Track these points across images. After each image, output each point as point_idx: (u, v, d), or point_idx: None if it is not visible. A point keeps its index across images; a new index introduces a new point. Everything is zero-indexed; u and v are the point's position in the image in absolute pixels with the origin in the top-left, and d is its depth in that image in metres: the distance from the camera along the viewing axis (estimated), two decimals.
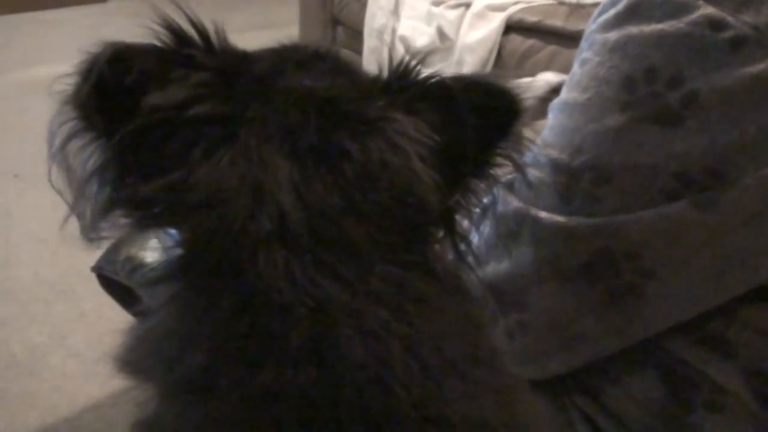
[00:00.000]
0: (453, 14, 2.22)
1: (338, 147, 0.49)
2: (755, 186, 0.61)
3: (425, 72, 0.54)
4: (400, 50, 2.33)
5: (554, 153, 0.68)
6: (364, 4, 2.47)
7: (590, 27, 0.69)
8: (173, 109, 0.49)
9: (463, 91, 0.52)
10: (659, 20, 0.62)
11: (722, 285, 0.66)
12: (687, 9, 0.61)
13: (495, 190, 0.56)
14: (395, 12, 2.38)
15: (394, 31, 2.37)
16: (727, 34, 0.60)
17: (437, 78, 0.53)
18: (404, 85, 0.53)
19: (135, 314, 0.62)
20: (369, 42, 2.46)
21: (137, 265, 1.06)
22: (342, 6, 2.62)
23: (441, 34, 2.22)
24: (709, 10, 0.61)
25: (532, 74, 1.44)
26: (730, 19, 0.60)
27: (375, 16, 2.44)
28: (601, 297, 0.68)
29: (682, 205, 0.63)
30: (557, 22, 2.04)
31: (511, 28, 2.15)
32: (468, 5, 2.21)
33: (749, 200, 0.62)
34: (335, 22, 2.68)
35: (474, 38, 2.16)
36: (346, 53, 2.66)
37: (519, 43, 2.13)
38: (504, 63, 2.15)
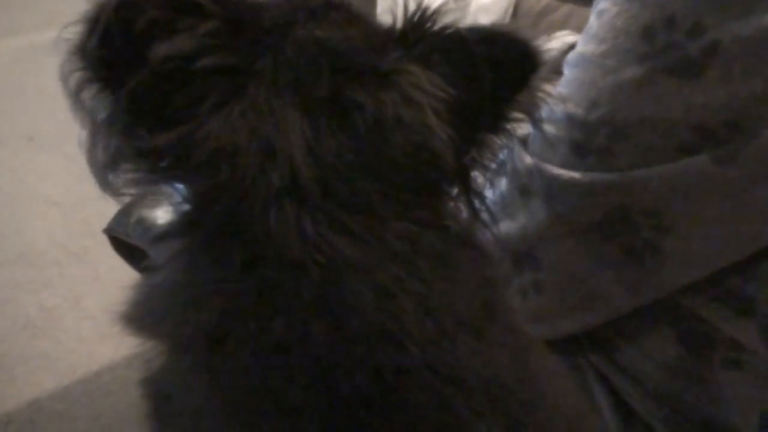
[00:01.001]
0: None
1: (351, 100, 0.47)
2: None
3: (441, 23, 0.52)
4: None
5: (570, 107, 0.66)
6: None
7: None
8: (181, 59, 0.48)
9: (480, 42, 0.51)
10: None
11: (741, 240, 0.64)
12: None
13: (510, 145, 0.54)
14: None
15: None
16: None
17: (453, 29, 0.51)
18: (419, 36, 0.51)
19: (143, 271, 0.62)
20: (382, 2, 2.43)
21: (149, 226, 1.05)
22: None
23: None
24: None
25: (548, 33, 1.42)
26: None
27: None
28: (617, 254, 0.67)
29: (701, 159, 0.61)
30: None
31: None
32: None
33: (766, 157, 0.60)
34: None
35: None
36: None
37: (534, 2, 2.09)
38: (520, 22, 2.11)
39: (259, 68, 0.48)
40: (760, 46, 0.59)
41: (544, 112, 0.68)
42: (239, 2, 0.52)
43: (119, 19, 0.47)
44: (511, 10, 2.14)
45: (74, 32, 0.47)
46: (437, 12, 0.52)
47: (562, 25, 1.98)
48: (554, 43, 1.30)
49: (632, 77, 0.63)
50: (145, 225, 1.08)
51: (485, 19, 2.15)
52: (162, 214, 1.07)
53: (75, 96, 0.49)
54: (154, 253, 0.78)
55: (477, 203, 0.56)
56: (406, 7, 0.53)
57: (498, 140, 0.54)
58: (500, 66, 0.51)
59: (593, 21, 0.67)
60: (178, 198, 0.51)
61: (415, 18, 0.52)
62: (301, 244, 0.46)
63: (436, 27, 0.52)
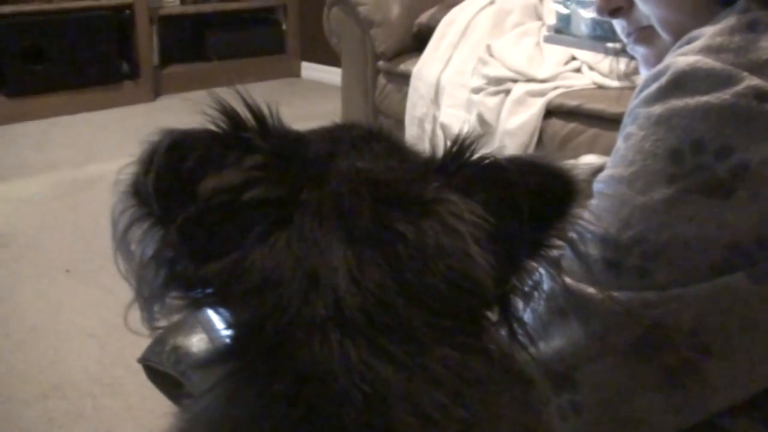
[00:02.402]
0: (493, 101, 2.24)
1: (393, 230, 0.49)
2: None
3: (479, 153, 0.54)
4: (440, 138, 2.35)
5: (602, 228, 0.67)
6: (405, 94, 2.52)
7: (633, 102, 0.69)
8: (229, 192, 0.50)
9: (519, 172, 0.52)
10: (704, 93, 0.63)
11: None
12: (732, 81, 0.62)
13: (544, 266, 0.55)
14: (435, 101, 2.42)
15: (434, 119, 2.41)
16: None
17: (492, 159, 0.53)
18: (459, 166, 0.53)
19: (180, 400, 0.62)
20: (410, 131, 2.50)
21: (183, 354, 1.05)
22: (383, 96, 2.67)
23: (481, 120, 2.25)
24: (754, 81, 0.61)
25: (574, 158, 1.45)
26: None
27: (416, 106, 2.48)
28: (656, 375, 0.66)
29: (737, 277, 0.61)
30: (598, 105, 2.05)
31: (551, 112, 2.16)
32: (507, 92, 2.24)
33: None
34: (377, 112, 2.73)
35: (514, 124, 2.18)
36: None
37: (560, 127, 2.15)
38: (545, 147, 2.16)
39: (303, 199, 0.50)
40: None
41: (576, 233, 0.69)
42: (284, 135, 0.54)
43: (171, 159, 0.49)
44: (537, 135, 2.20)
45: (128, 173, 0.50)
46: (475, 142, 0.54)
47: (588, 149, 2.02)
48: (581, 165, 1.33)
49: (662, 198, 0.64)
50: (180, 353, 1.08)
51: (511, 143, 2.20)
52: (197, 342, 1.07)
53: (124, 234, 0.51)
54: (194, 380, 0.78)
55: (517, 328, 0.56)
56: (432, 143, 0.54)
57: (536, 265, 0.55)
58: (539, 195, 0.52)
59: (621, 144, 0.69)
60: (222, 324, 0.52)
61: (455, 148, 0.54)
62: (345, 372, 0.46)
63: (475, 157, 0.53)
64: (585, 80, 2.21)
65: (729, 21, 0.65)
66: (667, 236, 0.64)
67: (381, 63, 2.65)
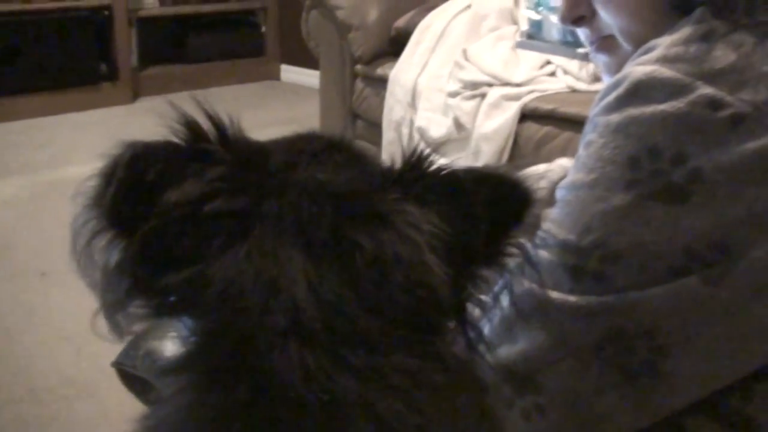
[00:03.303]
0: (469, 105, 2.26)
1: (351, 241, 0.50)
2: (762, 259, 0.62)
3: (437, 163, 0.55)
4: (417, 141, 2.37)
5: (563, 233, 0.69)
6: (382, 98, 2.53)
7: (593, 110, 0.71)
8: (189, 204, 0.50)
9: (475, 183, 0.53)
10: (660, 101, 0.64)
11: (738, 360, 0.66)
12: (686, 90, 0.63)
13: (506, 273, 0.56)
14: (412, 104, 2.43)
15: (411, 122, 2.42)
16: (727, 112, 0.62)
17: (448, 170, 0.54)
18: (416, 176, 0.54)
19: (150, 405, 0.62)
20: (387, 134, 2.51)
21: (157, 358, 1.06)
22: (361, 100, 2.68)
23: (457, 124, 2.26)
24: (707, 90, 0.63)
25: (549, 160, 1.46)
26: (728, 98, 0.62)
27: (393, 109, 2.49)
28: (616, 376, 0.67)
29: (692, 280, 0.63)
30: (571, 109, 2.08)
31: (526, 116, 2.18)
32: (483, 96, 2.25)
33: (758, 274, 0.62)
34: (355, 115, 2.74)
35: (490, 127, 2.20)
36: (365, 145, 2.72)
37: (535, 130, 2.16)
38: (520, 150, 2.18)
39: (263, 210, 0.51)
40: (740, 172, 0.62)
41: (538, 238, 0.70)
42: (245, 146, 0.55)
43: (132, 172, 0.50)
44: (512, 139, 2.22)
45: (90, 186, 0.50)
46: (435, 151, 0.55)
47: (562, 152, 2.04)
48: (554, 168, 1.34)
49: (621, 204, 0.65)
50: (153, 357, 1.09)
51: (487, 148, 2.22)
52: (171, 346, 1.08)
53: (86, 245, 0.51)
54: (161, 385, 0.79)
55: (473, 335, 0.57)
56: (404, 148, 0.56)
57: (493, 273, 0.56)
58: (494, 205, 0.53)
59: (582, 151, 0.71)
60: (185, 331, 0.53)
61: (413, 159, 0.55)
62: (304, 381, 0.47)
63: (433, 168, 0.55)
64: (559, 84, 2.23)
65: (685, 31, 0.66)
66: (625, 241, 0.65)
67: (358, 67, 2.66)
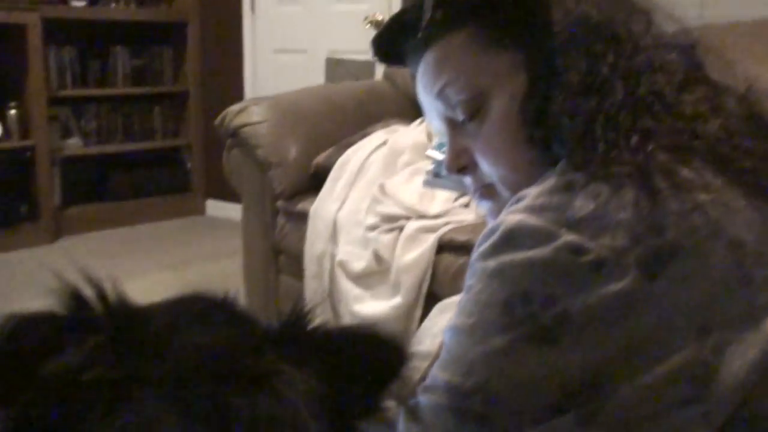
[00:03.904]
0: (387, 238, 2.31)
1: (227, 405, 0.51)
2: (631, 395, 0.65)
3: (314, 323, 0.57)
4: (338, 274, 2.40)
5: (447, 376, 0.71)
6: (303, 233, 2.57)
7: (473, 256, 0.75)
8: (69, 374, 0.51)
9: (351, 342, 0.56)
10: (529, 248, 0.69)
11: None
12: (551, 237, 0.68)
13: (388, 425, 0.58)
14: (333, 238, 2.47)
15: (332, 256, 2.45)
16: (589, 257, 0.66)
17: (325, 329, 0.57)
18: (294, 336, 0.56)
19: None
20: (309, 268, 2.53)
21: None
22: (283, 235, 2.71)
23: (377, 257, 2.30)
24: (570, 237, 0.67)
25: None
26: (589, 244, 0.67)
27: (314, 244, 2.52)
28: None
29: (568, 419, 0.66)
30: None
31: (443, 247, 2.24)
32: (401, 228, 2.31)
33: (628, 409, 0.65)
34: (277, 250, 2.76)
35: (409, 259, 2.25)
36: (287, 280, 2.73)
37: (452, 261, 2.21)
38: (439, 280, 2.22)
39: (142, 376, 0.52)
40: (603, 313, 0.66)
41: (427, 381, 0.73)
42: (126, 312, 0.56)
43: (11, 344, 0.51)
44: (430, 270, 2.26)
45: None
46: (312, 312, 0.58)
47: None
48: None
49: (498, 347, 0.69)
50: None
51: (407, 279, 2.25)
52: None
53: None
54: None
55: None
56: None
57: (375, 427, 0.57)
58: (370, 362, 0.56)
59: (463, 296, 0.74)
60: None
61: (291, 318, 0.57)
62: None
63: (310, 327, 0.57)
64: (474, 215, 2.31)
65: (549, 182, 0.72)
66: (505, 383, 0.68)
67: (280, 202, 2.71)
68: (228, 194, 4.45)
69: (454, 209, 2.35)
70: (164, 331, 0.55)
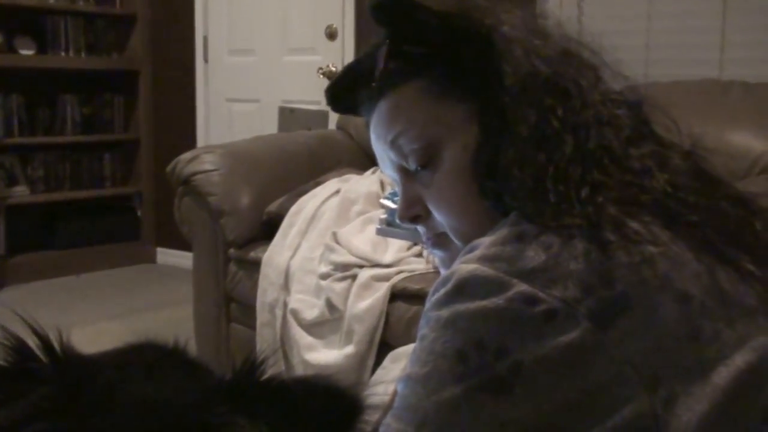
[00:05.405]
0: (340, 286, 2.30)
1: None
2: None
3: (267, 374, 0.57)
4: (291, 323, 2.38)
5: (401, 426, 0.70)
6: (255, 281, 2.55)
7: (427, 305, 0.75)
8: (13, 426, 0.50)
9: (305, 393, 0.55)
10: (482, 298, 0.69)
11: None
12: (504, 287, 0.68)
13: None
14: (285, 287, 2.45)
15: (285, 304, 2.43)
16: (540, 307, 0.67)
17: (279, 381, 0.56)
18: (247, 387, 0.55)
19: None
20: (261, 316, 2.50)
21: None
22: (234, 283, 2.69)
23: (330, 305, 2.29)
24: (522, 287, 0.68)
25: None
26: (541, 294, 0.67)
27: (266, 292, 2.50)
28: None
29: None
30: None
31: (396, 296, 2.24)
32: (354, 277, 2.30)
33: None
34: (228, 298, 2.73)
35: (362, 308, 2.24)
36: (239, 328, 2.70)
37: (405, 309, 2.21)
38: (392, 329, 2.21)
39: (89, 430, 0.50)
40: (555, 363, 0.66)
41: (384, 428, 0.72)
42: (74, 363, 0.55)
43: None
44: (383, 318, 2.26)
45: None
46: (264, 363, 0.57)
47: None
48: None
49: (451, 396, 0.68)
50: None
51: (359, 328, 2.24)
52: None
53: None
54: None
55: None
56: (233, 359, 0.57)
57: None
58: (324, 413, 0.55)
59: (417, 345, 0.74)
60: None
61: (245, 369, 0.56)
62: None
63: (264, 377, 0.56)
64: (426, 265, 2.31)
65: (502, 233, 0.72)
66: None
67: (231, 250, 2.69)
68: (179, 242, 4.40)
69: (407, 258, 2.35)
70: (112, 383, 0.54)
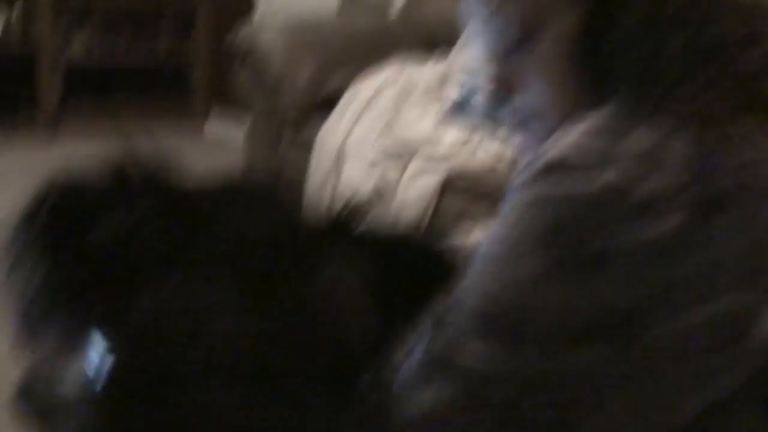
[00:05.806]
0: (391, 173, 2.30)
1: (278, 282, 0.51)
2: (667, 337, 0.65)
3: (364, 222, 0.57)
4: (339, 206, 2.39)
5: (474, 301, 0.71)
6: (307, 161, 2.56)
7: (510, 186, 0.74)
8: (121, 233, 0.51)
9: (398, 248, 0.56)
10: (571, 182, 0.68)
11: (642, 429, 0.68)
12: (595, 173, 0.67)
13: (423, 331, 0.58)
14: (336, 169, 2.46)
15: (334, 187, 2.44)
16: (634, 196, 0.66)
17: (374, 232, 0.57)
18: (343, 233, 0.56)
19: None
20: (311, 196, 2.53)
21: (58, 387, 1.03)
22: (286, 161, 2.70)
23: (378, 192, 2.30)
24: (617, 173, 0.67)
25: (468, 233, 1.50)
26: (636, 182, 0.66)
27: (317, 172, 2.51)
28: None
29: (601, 347, 0.66)
30: (492, 182, 2.14)
31: (447, 187, 2.23)
32: (406, 165, 2.30)
33: (661, 349, 0.66)
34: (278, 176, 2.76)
35: (411, 196, 2.24)
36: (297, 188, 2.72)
37: (453, 203, 2.21)
38: (440, 222, 2.22)
39: (195, 244, 0.52)
40: (648, 252, 0.65)
41: (451, 303, 0.73)
42: (179, 182, 0.56)
43: (65, 198, 0.51)
44: (431, 210, 2.26)
45: (22, 209, 0.51)
46: (362, 210, 0.57)
47: (481, 225, 2.09)
48: (472, 241, 1.37)
49: (532, 273, 0.68)
50: (53, 385, 1.05)
51: (406, 216, 2.25)
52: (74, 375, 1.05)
53: (14, 263, 0.52)
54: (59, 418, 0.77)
55: (388, 384, 0.59)
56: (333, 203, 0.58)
57: (411, 328, 0.58)
58: (415, 268, 0.56)
59: (496, 224, 0.74)
60: (95, 358, 0.52)
61: (342, 215, 0.57)
62: (218, 418, 0.47)
63: (360, 226, 0.57)
64: (482, 157, 2.30)
65: (598, 120, 0.71)
66: (534, 309, 0.68)
67: (286, 128, 2.69)
68: (229, 113, 4.43)
69: (461, 151, 2.34)
70: (217, 207, 0.55)
